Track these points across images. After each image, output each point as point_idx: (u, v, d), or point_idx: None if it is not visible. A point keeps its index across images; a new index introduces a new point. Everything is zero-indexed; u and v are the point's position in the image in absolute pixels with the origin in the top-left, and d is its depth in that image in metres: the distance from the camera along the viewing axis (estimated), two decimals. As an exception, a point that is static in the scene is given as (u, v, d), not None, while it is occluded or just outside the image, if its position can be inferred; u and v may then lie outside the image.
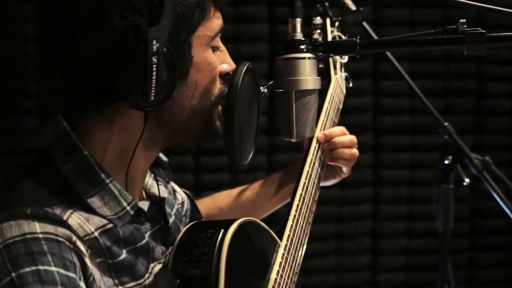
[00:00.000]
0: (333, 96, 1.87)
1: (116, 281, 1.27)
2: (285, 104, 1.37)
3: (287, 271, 1.52)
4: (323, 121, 1.79)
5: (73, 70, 1.27)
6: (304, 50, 1.36)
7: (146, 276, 1.33)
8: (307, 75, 1.36)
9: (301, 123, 1.38)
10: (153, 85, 1.21)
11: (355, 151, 1.79)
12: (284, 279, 1.51)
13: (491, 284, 3.44)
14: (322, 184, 1.77)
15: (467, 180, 2.38)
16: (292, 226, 1.57)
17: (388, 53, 2.31)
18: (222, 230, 1.39)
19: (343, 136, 1.78)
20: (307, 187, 1.66)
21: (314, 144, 1.73)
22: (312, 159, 1.70)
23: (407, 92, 3.27)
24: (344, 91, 1.97)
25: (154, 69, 1.20)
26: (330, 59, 1.95)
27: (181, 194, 1.63)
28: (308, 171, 1.67)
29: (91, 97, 1.29)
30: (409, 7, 3.29)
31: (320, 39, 1.43)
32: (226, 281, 1.35)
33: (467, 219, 3.41)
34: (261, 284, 1.47)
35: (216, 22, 1.35)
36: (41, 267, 1.16)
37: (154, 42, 1.20)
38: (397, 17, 3.28)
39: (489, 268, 3.44)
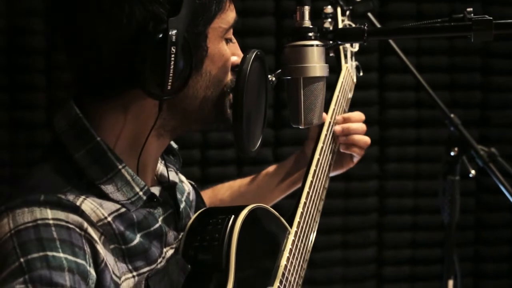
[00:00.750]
0: (344, 85, 1.88)
1: (130, 267, 1.28)
2: (293, 91, 1.39)
3: (297, 258, 1.54)
4: (333, 109, 1.80)
5: (91, 58, 1.28)
6: (312, 37, 1.38)
7: (159, 260, 1.34)
8: (315, 62, 1.37)
9: (309, 110, 1.39)
10: (171, 74, 1.22)
11: (368, 138, 1.81)
12: (294, 266, 1.52)
13: (497, 277, 3.45)
14: (330, 174, 1.79)
15: (473, 171, 2.38)
16: (302, 213, 1.58)
17: (394, 46, 2.33)
18: (233, 216, 1.40)
19: (358, 123, 1.80)
20: (317, 174, 1.67)
21: (324, 131, 1.74)
22: (323, 146, 1.71)
23: (412, 86, 3.30)
24: (355, 80, 1.98)
25: (172, 58, 1.22)
26: (341, 48, 1.96)
27: (187, 185, 1.64)
28: (318, 159, 1.68)
29: (107, 85, 1.30)
30: (415, 0, 3.30)
31: (331, 28, 1.45)
32: (236, 266, 1.36)
33: (473, 213, 3.42)
34: (271, 270, 1.48)
35: (230, 14, 1.37)
36: (49, 253, 1.16)
37: (174, 32, 1.22)
38: (403, 10, 3.29)
39: (495, 261, 3.45)
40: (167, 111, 1.33)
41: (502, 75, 3.39)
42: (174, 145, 1.55)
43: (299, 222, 1.56)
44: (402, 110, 3.35)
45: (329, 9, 1.86)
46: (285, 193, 1.86)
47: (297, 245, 1.54)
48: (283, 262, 1.49)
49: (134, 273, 1.29)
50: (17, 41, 2.92)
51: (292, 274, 1.51)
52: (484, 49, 3.38)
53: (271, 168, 1.88)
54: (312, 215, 1.62)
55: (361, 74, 2.02)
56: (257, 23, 3.14)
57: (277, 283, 1.46)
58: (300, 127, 1.41)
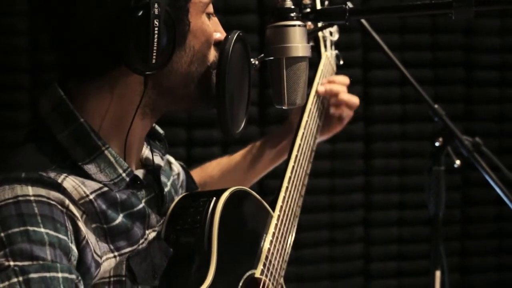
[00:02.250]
0: (324, 73, 1.89)
1: (112, 247, 1.28)
2: (276, 72, 1.39)
3: (280, 241, 1.53)
4: (314, 96, 1.81)
5: (73, 36, 1.28)
6: (294, 17, 1.38)
7: (141, 241, 1.33)
8: (298, 42, 1.38)
9: (292, 90, 1.39)
10: (155, 48, 1.23)
11: (356, 98, 1.84)
12: (278, 250, 1.52)
13: (484, 271, 3.45)
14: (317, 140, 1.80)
15: (457, 161, 2.38)
16: (284, 197, 1.58)
17: (379, 41, 2.33)
18: (214, 198, 1.40)
19: (341, 85, 1.83)
20: (302, 150, 1.68)
21: (308, 107, 1.75)
22: (307, 120, 1.72)
23: (397, 81, 3.30)
24: (335, 68, 1.99)
25: (156, 32, 1.22)
26: (320, 37, 1.97)
27: (176, 166, 1.64)
28: (303, 133, 1.70)
29: (91, 64, 1.30)
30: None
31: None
32: (218, 248, 1.36)
33: (459, 207, 3.42)
34: (254, 253, 1.48)
35: None
36: (30, 228, 1.17)
37: (156, 5, 1.22)
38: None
39: (482, 255, 3.45)
40: (153, 89, 1.33)
41: (485, 70, 3.41)
42: (160, 131, 1.55)
43: (281, 207, 1.56)
44: (386, 106, 3.35)
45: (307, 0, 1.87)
46: (274, 163, 1.87)
47: (280, 229, 1.54)
48: (267, 245, 1.49)
49: (116, 253, 1.29)
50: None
51: (276, 258, 1.50)
52: (467, 44, 3.40)
53: (259, 141, 1.89)
54: (295, 199, 1.62)
55: (341, 62, 2.03)
56: (240, 1, 3.11)
57: (260, 266, 1.46)
58: (283, 107, 1.41)
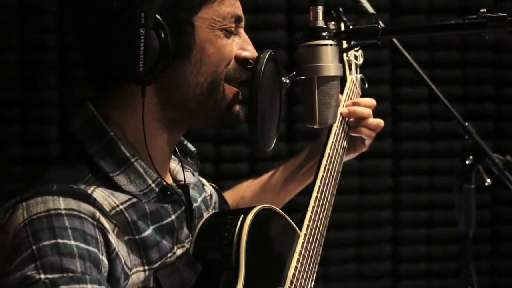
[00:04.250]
0: (349, 95, 1.89)
1: (145, 260, 1.30)
2: (307, 91, 1.39)
3: (307, 260, 1.53)
4: (339, 117, 1.80)
5: (90, 53, 1.36)
6: (326, 37, 1.38)
7: (169, 255, 1.35)
8: (329, 61, 1.38)
9: (324, 110, 1.40)
10: (141, 56, 1.25)
11: (380, 120, 1.83)
12: (305, 268, 1.52)
13: (514, 290, 3.42)
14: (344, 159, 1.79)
15: (488, 180, 2.36)
16: (311, 217, 1.58)
17: (409, 58, 2.32)
18: (242, 216, 1.41)
19: (365, 108, 1.81)
20: (325, 180, 1.66)
21: (335, 127, 1.74)
22: (333, 141, 1.72)
23: (425, 98, 3.29)
24: (361, 92, 1.99)
25: (142, 40, 1.24)
26: (345, 61, 1.97)
27: (209, 187, 1.66)
28: (329, 153, 1.69)
29: (107, 78, 1.35)
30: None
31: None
32: (246, 265, 1.37)
33: (488, 225, 3.39)
34: (281, 271, 1.48)
35: (224, 8, 1.39)
36: (60, 241, 1.19)
37: (142, 14, 1.25)
38: (414, 5, 3.29)
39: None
40: (164, 101, 1.36)
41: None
42: (192, 148, 1.58)
43: (308, 226, 1.56)
44: (415, 123, 3.33)
45: (332, 25, 1.89)
46: (304, 183, 1.87)
47: (307, 248, 1.54)
48: (294, 263, 1.49)
49: (146, 267, 1.31)
50: (30, 39, 2.92)
51: (303, 276, 1.50)
52: (496, 61, 3.37)
53: (288, 161, 1.90)
54: (321, 220, 1.61)
55: (366, 86, 2.03)
56: (268, 18, 3.11)
57: (288, 284, 1.46)
58: (315, 126, 1.41)
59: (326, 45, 1.38)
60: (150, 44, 1.26)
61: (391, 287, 3.34)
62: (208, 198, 1.59)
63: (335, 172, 1.69)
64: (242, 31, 1.44)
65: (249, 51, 1.42)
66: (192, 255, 1.40)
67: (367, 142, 1.84)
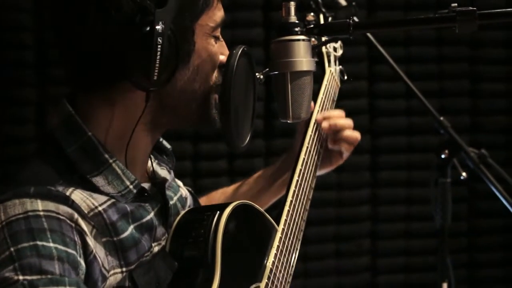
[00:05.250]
0: (328, 88, 1.89)
1: (123, 262, 1.29)
2: (280, 86, 1.40)
3: (285, 255, 1.53)
4: (318, 111, 1.81)
5: (80, 51, 1.31)
6: (298, 32, 1.39)
7: (147, 254, 1.34)
8: (302, 56, 1.39)
9: (297, 104, 1.40)
10: (157, 65, 1.24)
11: (358, 133, 1.81)
12: (282, 263, 1.52)
13: (491, 283, 3.44)
14: (318, 172, 1.78)
15: (464, 174, 2.38)
16: (289, 211, 1.58)
17: (385, 54, 2.34)
18: (218, 212, 1.41)
19: (344, 119, 1.80)
20: (303, 174, 1.67)
21: (310, 132, 1.74)
22: (308, 146, 1.71)
23: (402, 93, 3.30)
24: (339, 84, 1.99)
25: (159, 49, 1.24)
26: (324, 52, 1.97)
27: (184, 190, 1.65)
28: (304, 158, 1.69)
29: (96, 79, 1.32)
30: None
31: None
32: (222, 261, 1.37)
33: (466, 219, 3.41)
34: (258, 266, 1.48)
35: (218, 13, 1.40)
36: (39, 243, 1.18)
37: (160, 23, 1.24)
38: (391, 2, 3.31)
39: (489, 267, 3.44)
40: (157, 105, 1.35)
41: (490, 81, 3.41)
42: (167, 146, 1.57)
43: (286, 220, 1.56)
44: (392, 118, 3.35)
45: (311, 17, 1.88)
46: (278, 195, 1.85)
47: (284, 243, 1.54)
48: (271, 259, 1.49)
49: (124, 269, 1.30)
50: (8, 36, 2.89)
51: (280, 271, 1.51)
52: (472, 56, 3.40)
53: (262, 171, 1.89)
54: (299, 214, 1.62)
55: (346, 78, 2.03)
56: (246, 15, 3.12)
57: (265, 280, 1.46)
58: (288, 121, 1.42)
59: (298, 40, 1.38)
60: (165, 52, 1.25)
61: (370, 282, 3.36)
62: (184, 198, 1.59)
63: (313, 167, 1.69)
64: (220, 35, 1.44)
65: (226, 56, 1.41)
66: (169, 252, 1.39)
67: (345, 155, 1.83)
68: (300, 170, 1.66)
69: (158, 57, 1.24)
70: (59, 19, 1.32)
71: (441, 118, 2.36)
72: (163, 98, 1.34)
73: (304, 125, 1.75)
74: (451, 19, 1.33)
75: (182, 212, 1.47)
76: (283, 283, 1.51)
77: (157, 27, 1.23)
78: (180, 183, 1.65)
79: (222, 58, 1.41)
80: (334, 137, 1.78)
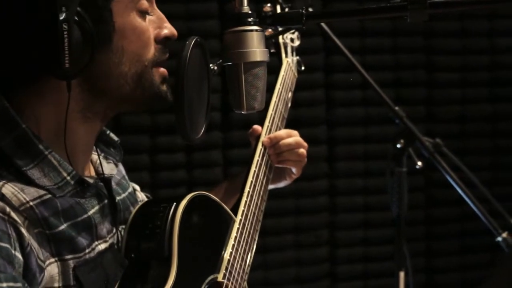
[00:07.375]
0: (285, 78, 1.90)
1: (54, 252, 1.26)
2: (234, 77, 1.38)
3: (242, 245, 1.53)
4: (275, 102, 1.81)
5: (3, 44, 1.28)
6: (251, 22, 1.38)
7: (87, 251, 1.31)
8: (255, 47, 1.37)
9: (251, 95, 1.39)
10: (66, 52, 1.21)
11: (302, 151, 1.81)
12: (240, 254, 1.52)
13: (448, 271, 3.48)
14: (273, 186, 1.81)
15: (419, 163, 2.41)
16: (246, 201, 1.59)
17: (340, 44, 2.35)
18: (174, 203, 1.40)
19: (289, 138, 1.79)
20: (261, 159, 1.68)
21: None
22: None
23: (359, 84, 3.33)
24: (296, 74, 2.00)
25: (66, 36, 1.20)
26: (281, 43, 1.97)
27: (141, 194, 1.63)
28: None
29: (22, 73, 1.29)
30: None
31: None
32: (179, 253, 1.36)
33: (422, 208, 3.45)
34: (216, 257, 1.48)
35: None
36: None
37: (64, 9, 1.20)
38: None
39: (445, 255, 3.49)
40: (87, 92, 1.32)
41: (446, 72, 3.45)
42: (115, 138, 1.53)
43: (243, 211, 1.57)
44: (349, 109, 3.37)
45: (268, 7, 1.88)
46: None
47: (242, 234, 1.54)
48: (229, 249, 1.49)
49: (57, 258, 1.26)
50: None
51: (238, 262, 1.51)
52: (428, 46, 3.44)
53: (217, 186, 1.85)
54: (257, 205, 1.62)
55: (303, 68, 2.04)
56: (201, 7, 3.09)
57: (222, 271, 1.46)
58: (242, 112, 1.41)
59: (251, 30, 1.37)
60: (74, 38, 1.21)
61: (329, 272, 3.38)
62: (134, 193, 1.57)
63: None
64: (155, 7, 1.40)
65: (167, 28, 1.39)
66: (125, 245, 1.38)
67: (296, 171, 1.84)
68: (257, 160, 1.68)
69: (66, 44, 1.20)
70: None
71: (396, 108, 2.39)
72: (89, 84, 1.31)
73: (255, 141, 1.76)
74: (402, 8, 1.33)
75: (138, 205, 1.45)
76: (241, 273, 1.51)
77: (62, 13, 1.20)
78: (137, 187, 1.65)
79: (164, 32, 1.38)
80: (277, 158, 1.78)
